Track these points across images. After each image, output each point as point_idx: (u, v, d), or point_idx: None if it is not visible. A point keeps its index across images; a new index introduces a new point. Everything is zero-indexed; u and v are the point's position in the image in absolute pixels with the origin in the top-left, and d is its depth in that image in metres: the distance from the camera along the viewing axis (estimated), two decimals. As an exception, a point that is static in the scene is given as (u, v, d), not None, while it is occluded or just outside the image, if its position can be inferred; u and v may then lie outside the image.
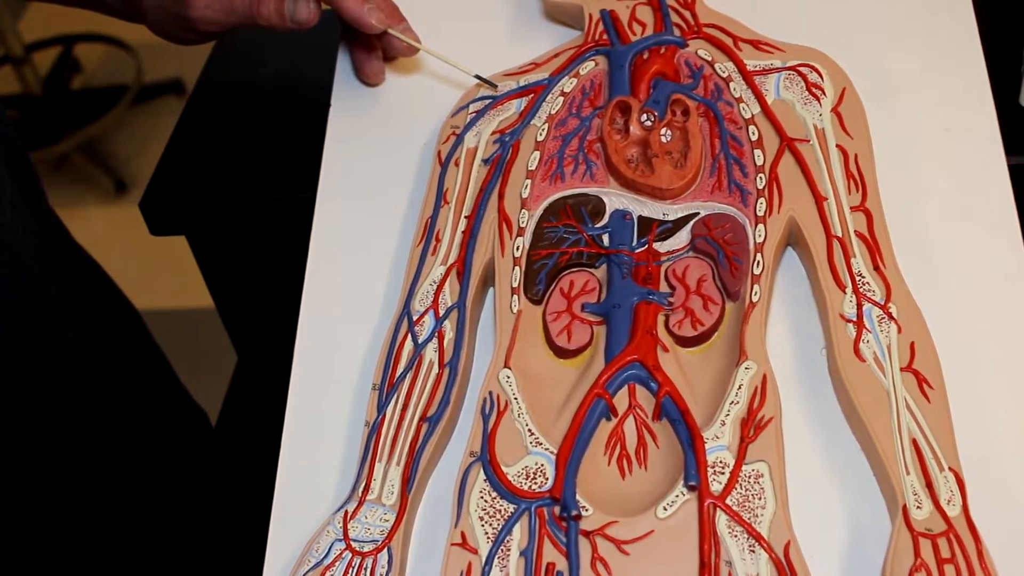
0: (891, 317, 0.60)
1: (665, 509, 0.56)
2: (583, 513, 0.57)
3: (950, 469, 0.55)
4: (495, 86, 0.74)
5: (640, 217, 0.67)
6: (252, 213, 0.89)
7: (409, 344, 0.65)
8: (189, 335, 1.77)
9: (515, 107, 0.73)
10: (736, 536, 0.54)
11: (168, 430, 1.00)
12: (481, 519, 0.58)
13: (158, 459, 0.97)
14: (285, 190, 0.88)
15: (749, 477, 0.56)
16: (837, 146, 0.66)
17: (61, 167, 2.60)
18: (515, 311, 0.64)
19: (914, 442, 0.56)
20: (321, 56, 0.85)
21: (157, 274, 1.97)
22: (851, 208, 0.64)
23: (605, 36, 0.74)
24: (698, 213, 0.66)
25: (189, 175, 0.91)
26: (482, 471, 0.59)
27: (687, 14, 0.74)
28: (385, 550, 0.58)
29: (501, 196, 0.69)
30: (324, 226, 0.73)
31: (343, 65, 0.82)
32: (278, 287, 0.79)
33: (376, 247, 0.71)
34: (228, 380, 1.08)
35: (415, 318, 0.66)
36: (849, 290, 0.61)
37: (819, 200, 0.64)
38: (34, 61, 2.71)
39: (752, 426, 0.58)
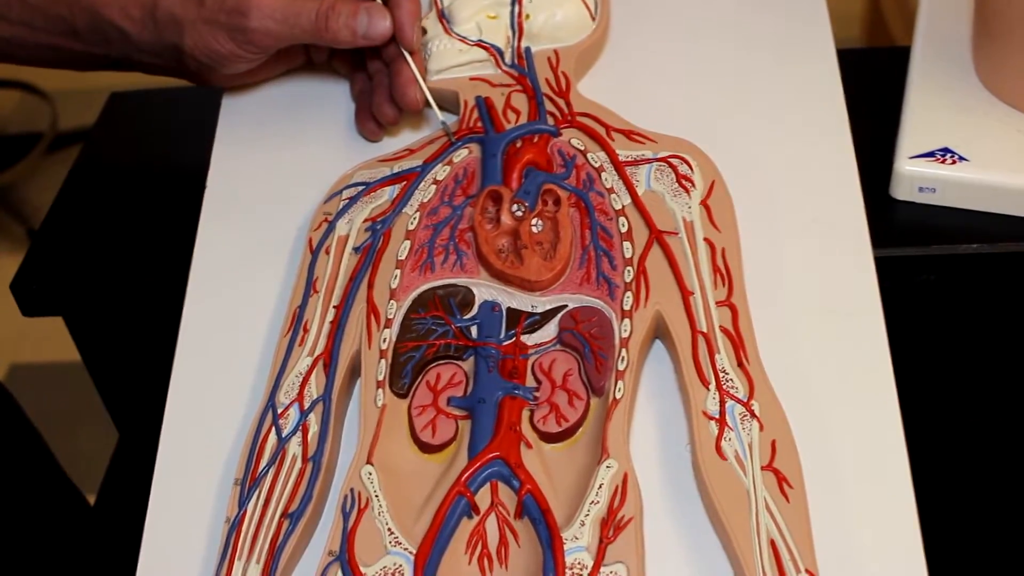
0: (753, 415, 0.60)
1: (522, 612, 0.56)
2: (440, 615, 0.56)
3: (807, 571, 0.55)
4: (452, 137, 0.75)
5: (509, 309, 0.67)
6: (128, 296, 0.88)
7: (273, 437, 0.64)
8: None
9: (388, 194, 0.72)
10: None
11: (44, 512, 0.98)
12: (338, 621, 0.57)
13: (34, 542, 0.95)
14: (162, 273, 0.86)
15: (607, 579, 0.56)
16: (705, 239, 0.67)
17: (-28, 215, 2.56)
18: (380, 405, 0.64)
19: (772, 543, 0.56)
20: (200, 135, 0.84)
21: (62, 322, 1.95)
22: (716, 303, 0.64)
23: (480, 123, 0.74)
24: (566, 306, 0.66)
25: (63, 255, 0.90)
26: (340, 571, 0.58)
27: (561, 102, 0.75)
28: (239, 654, 0.58)
29: (370, 286, 0.68)
30: (193, 312, 0.72)
31: (221, 148, 0.81)
32: (155, 369, 0.78)
33: (245, 336, 0.70)
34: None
35: (280, 411, 0.65)
36: (713, 387, 0.62)
37: (685, 294, 0.65)
38: (-54, 108, 2.67)
39: (611, 526, 0.57)
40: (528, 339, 0.65)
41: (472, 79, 0.77)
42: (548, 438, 0.62)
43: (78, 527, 1.01)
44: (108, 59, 0.79)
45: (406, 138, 0.78)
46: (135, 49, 0.77)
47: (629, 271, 0.66)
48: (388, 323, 0.67)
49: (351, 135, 0.79)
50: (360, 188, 0.73)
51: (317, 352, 0.67)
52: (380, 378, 0.65)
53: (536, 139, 0.73)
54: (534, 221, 0.68)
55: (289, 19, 0.72)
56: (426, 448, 0.63)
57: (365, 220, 0.72)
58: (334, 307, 0.68)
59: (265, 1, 0.72)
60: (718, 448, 0.60)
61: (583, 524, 0.57)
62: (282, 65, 0.82)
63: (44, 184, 2.63)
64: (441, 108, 0.76)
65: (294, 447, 0.64)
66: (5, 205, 2.62)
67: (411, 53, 0.75)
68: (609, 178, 0.70)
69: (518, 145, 0.72)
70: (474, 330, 0.66)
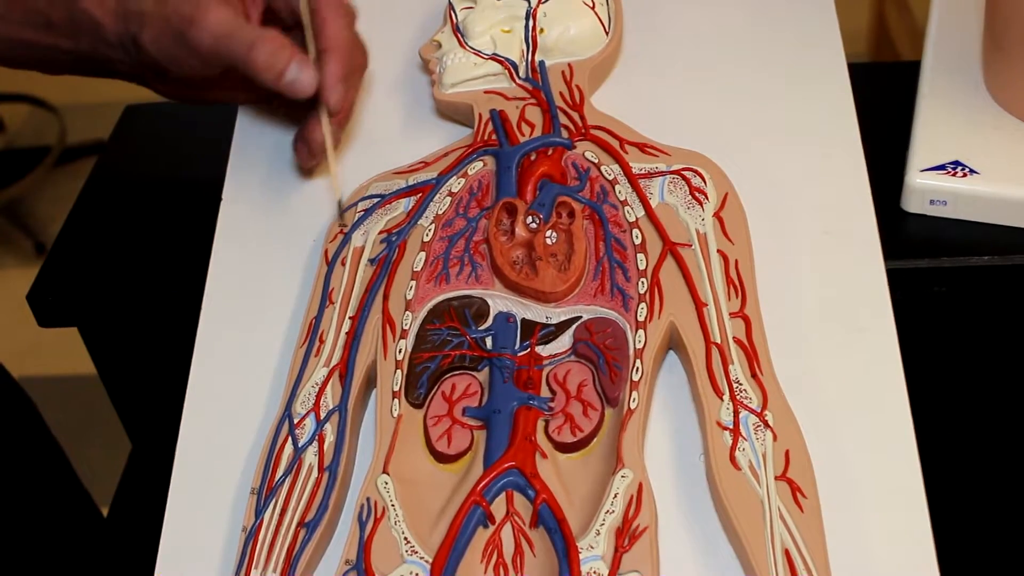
0: (767, 425, 0.61)
1: (538, 621, 0.56)
2: (456, 625, 0.56)
3: (821, 580, 0.56)
4: (345, 226, 0.74)
5: (523, 320, 0.67)
6: (144, 307, 0.88)
7: (289, 447, 0.65)
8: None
9: (403, 206, 0.73)
10: (607, 649, 0.55)
11: (59, 520, 0.98)
12: (354, 630, 0.57)
13: (47, 549, 0.95)
14: (177, 284, 0.87)
15: (622, 588, 0.56)
16: (718, 251, 0.67)
17: (-19, 228, 2.57)
18: (395, 415, 0.64)
19: (786, 552, 0.57)
20: (215, 147, 0.85)
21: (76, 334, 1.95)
22: (730, 314, 0.65)
23: (494, 136, 0.75)
24: (580, 317, 0.67)
25: (79, 267, 0.90)
26: (357, 580, 0.59)
27: (575, 115, 0.75)
28: (256, 662, 0.58)
29: (386, 297, 0.69)
30: (209, 323, 0.73)
31: (237, 160, 0.81)
32: (169, 380, 0.78)
33: (261, 346, 0.71)
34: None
35: (296, 421, 0.66)
36: (726, 397, 0.62)
37: (699, 306, 0.65)
38: (-44, 121, 2.68)
39: (627, 536, 0.58)
40: (543, 350, 0.66)
41: (486, 92, 0.78)
42: (563, 448, 0.63)
43: (91, 537, 1.02)
44: (74, 55, 0.77)
45: (419, 151, 0.78)
46: (103, 43, 0.75)
47: (643, 283, 0.66)
48: (404, 334, 0.67)
49: (365, 148, 0.80)
50: (375, 200, 0.74)
51: (333, 363, 0.67)
52: (396, 388, 0.65)
53: (550, 152, 0.73)
54: (548, 233, 0.69)
55: (222, 39, 0.71)
56: (442, 458, 0.64)
57: (380, 232, 0.72)
58: (350, 318, 0.69)
59: (212, 18, 0.71)
60: (732, 458, 0.60)
61: (598, 533, 0.58)
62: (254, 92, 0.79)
63: (52, 197, 2.64)
64: (456, 121, 0.77)
65: (310, 457, 0.64)
66: (13, 218, 2.63)
67: (330, 115, 0.75)
68: (623, 190, 0.71)
69: (532, 158, 0.73)
70: (489, 341, 0.66)
